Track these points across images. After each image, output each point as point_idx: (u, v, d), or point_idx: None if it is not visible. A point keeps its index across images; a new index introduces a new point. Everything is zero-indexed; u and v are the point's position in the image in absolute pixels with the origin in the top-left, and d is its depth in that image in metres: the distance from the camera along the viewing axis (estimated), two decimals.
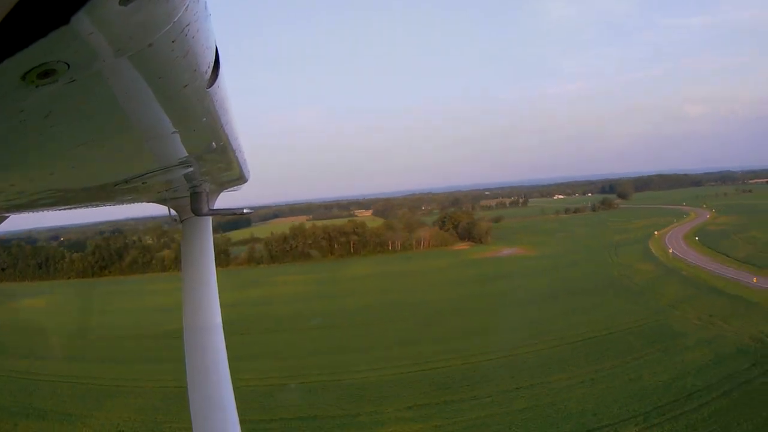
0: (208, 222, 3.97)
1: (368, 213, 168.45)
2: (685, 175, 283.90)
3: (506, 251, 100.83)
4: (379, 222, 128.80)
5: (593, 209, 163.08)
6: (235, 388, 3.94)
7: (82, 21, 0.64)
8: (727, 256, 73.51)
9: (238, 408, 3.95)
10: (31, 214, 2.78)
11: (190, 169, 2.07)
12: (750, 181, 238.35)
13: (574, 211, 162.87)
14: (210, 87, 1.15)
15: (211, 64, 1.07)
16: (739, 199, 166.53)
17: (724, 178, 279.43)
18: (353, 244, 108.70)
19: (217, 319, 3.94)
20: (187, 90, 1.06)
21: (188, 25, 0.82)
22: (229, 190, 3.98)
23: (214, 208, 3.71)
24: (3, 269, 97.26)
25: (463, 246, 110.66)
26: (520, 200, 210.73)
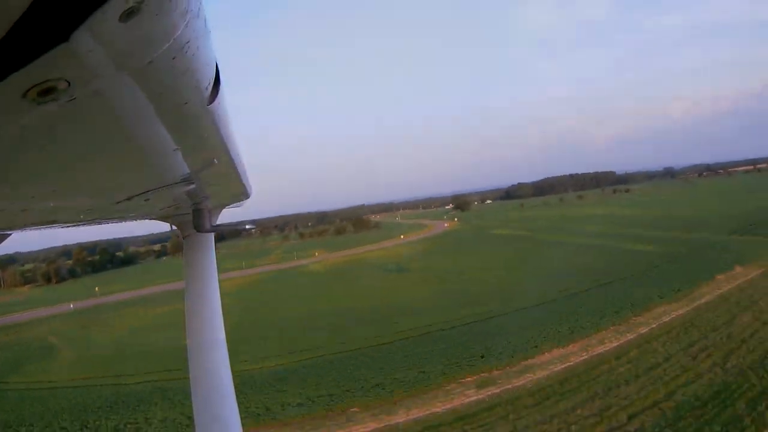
0: (211, 238, 3.96)
1: None
2: (612, 173, 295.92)
3: None
4: None
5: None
6: None
7: (82, 38, 0.64)
8: None
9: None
10: (32, 232, 2.78)
11: (192, 186, 2.07)
12: (692, 176, 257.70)
13: None
14: (210, 104, 1.15)
15: (212, 81, 1.07)
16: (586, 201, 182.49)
17: (653, 175, 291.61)
18: None
19: (221, 333, 3.92)
20: (187, 107, 1.06)
21: (188, 42, 0.82)
22: (231, 206, 3.98)
23: (217, 224, 3.71)
24: None
25: None
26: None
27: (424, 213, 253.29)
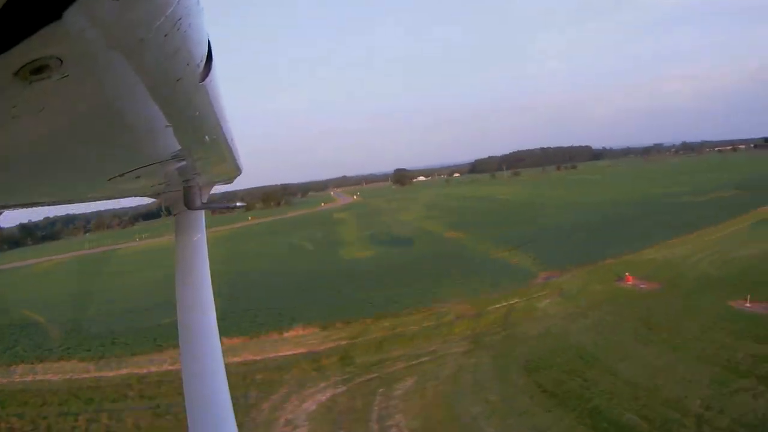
0: (201, 215, 3.96)
1: None
2: (587, 147, 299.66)
3: None
4: None
5: None
6: None
7: (74, 16, 0.64)
8: None
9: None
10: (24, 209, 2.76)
11: (183, 163, 2.07)
12: (668, 154, 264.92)
13: None
14: (203, 81, 1.16)
15: (204, 58, 1.08)
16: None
17: (629, 152, 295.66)
18: None
19: (211, 311, 3.96)
20: (180, 84, 1.07)
21: (180, 19, 0.82)
22: (222, 183, 3.97)
23: (207, 201, 3.71)
24: None
25: None
26: None
27: (363, 189, 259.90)
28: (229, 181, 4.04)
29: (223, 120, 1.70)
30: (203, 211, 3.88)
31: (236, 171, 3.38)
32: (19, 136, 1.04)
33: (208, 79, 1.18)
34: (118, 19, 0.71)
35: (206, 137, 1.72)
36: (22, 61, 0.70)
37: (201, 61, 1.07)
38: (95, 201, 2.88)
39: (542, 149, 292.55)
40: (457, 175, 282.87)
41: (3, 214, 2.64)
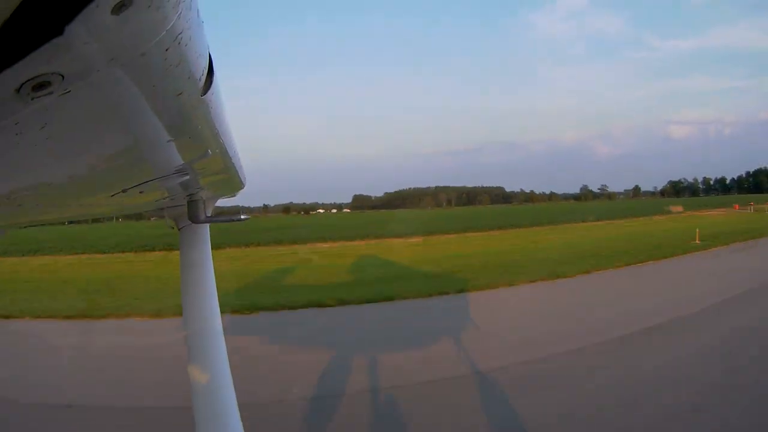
0: (206, 229, 3.96)
1: None
2: (500, 188, 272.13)
3: None
4: None
5: None
6: None
7: (76, 31, 0.64)
8: None
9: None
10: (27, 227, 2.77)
11: (187, 177, 2.07)
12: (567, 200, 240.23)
13: None
14: (204, 94, 1.15)
15: (205, 71, 1.07)
16: None
17: (536, 197, 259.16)
18: None
19: (218, 326, 3.94)
20: (181, 98, 1.06)
21: (181, 33, 0.82)
22: (226, 196, 3.98)
23: (212, 215, 3.71)
24: None
25: None
26: None
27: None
28: (233, 194, 4.05)
29: (226, 133, 1.69)
30: (208, 225, 3.87)
31: (240, 185, 3.38)
32: (21, 154, 1.03)
33: (209, 93, 1.17)
34: (119, 34, 0.71)
35: (209, 151, 1.72)
36: (23, 77, 0.69)
37: (202, 74, 1.06)
38: (97, 217, 2.89)
39: (436, 187, 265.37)
40: (333, 211, 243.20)
41: (6, 233, 2.64)
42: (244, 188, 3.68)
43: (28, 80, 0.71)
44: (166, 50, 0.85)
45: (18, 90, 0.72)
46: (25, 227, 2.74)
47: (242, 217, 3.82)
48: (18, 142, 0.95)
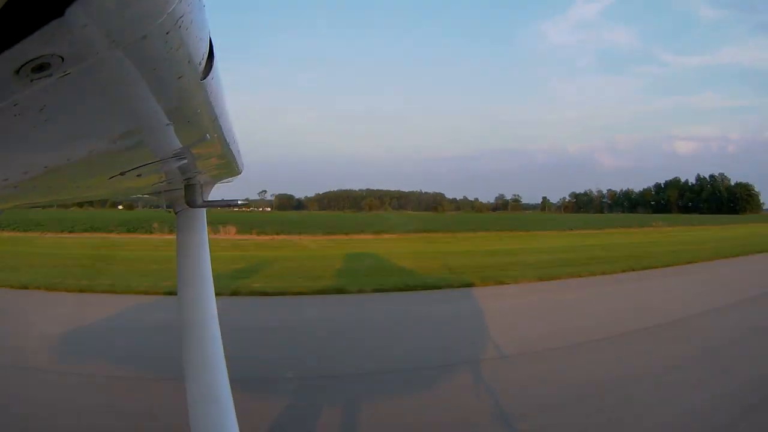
0: (203, 213, 3.95)
1: None
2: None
3: None
4: None
5: None
6: None
7: (76, 13, 0.63)
8: None
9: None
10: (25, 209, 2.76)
11: (185, 160, 2.06)
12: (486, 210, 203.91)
13: None
14: (204, 78, 1.15)
15: (206, 55, 1.07)
16: None
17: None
18: None
19: (213, 309, 3.95)
20: (181, 81, 1.06)
21: (182, 16, 0.81)
22: (223, 182, 3.96)
23: (209, 199, 3.70)
24: None
25: None
26: None
27: None
28: (231, 179, 4.04)
29: (225, 118, 1.69)
30: (205, 209, 3.87)
31: (238, 170, 3.37)
32: (20, 135, 1.03)
33: (209, 77, 1.17)
34: (120, 17, 0.70)
35: (207, 135, 1.71)
36: (23, 59, 0.68)
37: (203, 58, 1.06)
38: (95, 200, 2.88)
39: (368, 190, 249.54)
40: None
41: (2, 213, 2.64)
42: (242, 173, 3.68)
43: (28, 62, 0.70)
44: (167, 33, 0.84)
45: (17, 71, 0.71)
46: (20, 208, 2.74)
47: (239, 201, 3.81)
48: (17, 123, 0.94)
